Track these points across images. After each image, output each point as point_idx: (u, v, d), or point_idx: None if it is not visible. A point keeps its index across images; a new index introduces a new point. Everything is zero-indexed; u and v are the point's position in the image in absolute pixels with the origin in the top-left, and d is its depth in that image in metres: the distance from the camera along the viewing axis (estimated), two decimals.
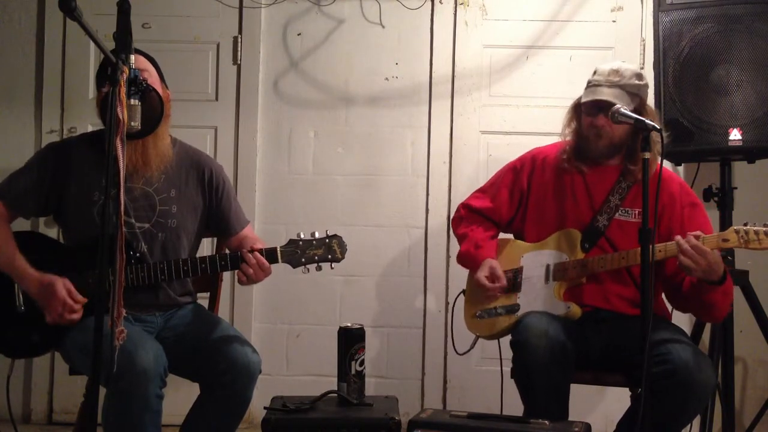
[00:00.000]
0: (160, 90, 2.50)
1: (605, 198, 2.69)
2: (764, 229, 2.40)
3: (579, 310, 2.59)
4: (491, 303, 2.73)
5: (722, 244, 2.43)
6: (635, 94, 2.64)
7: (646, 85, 2.69)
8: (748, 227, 2.41)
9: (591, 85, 2.68)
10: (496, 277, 2.69)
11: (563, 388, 2.51)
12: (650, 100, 2.98)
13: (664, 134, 2.37)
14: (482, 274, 2.70)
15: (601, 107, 2.61)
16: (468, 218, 2.89)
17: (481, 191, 2.93)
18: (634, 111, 2.49)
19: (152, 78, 2.51)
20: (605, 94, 2.61)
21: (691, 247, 2.39)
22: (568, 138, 2.78)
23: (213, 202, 2.66)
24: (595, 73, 2.69)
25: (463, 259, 2.84)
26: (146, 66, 2.52)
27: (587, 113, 2.68)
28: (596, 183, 2.72)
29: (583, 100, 2.68)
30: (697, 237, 2.42)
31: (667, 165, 2.87)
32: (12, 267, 2.40)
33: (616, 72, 2.64)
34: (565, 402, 2.51)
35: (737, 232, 2.41)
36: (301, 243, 2.48)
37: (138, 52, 2.51)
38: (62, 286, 2.35)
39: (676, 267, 2.48)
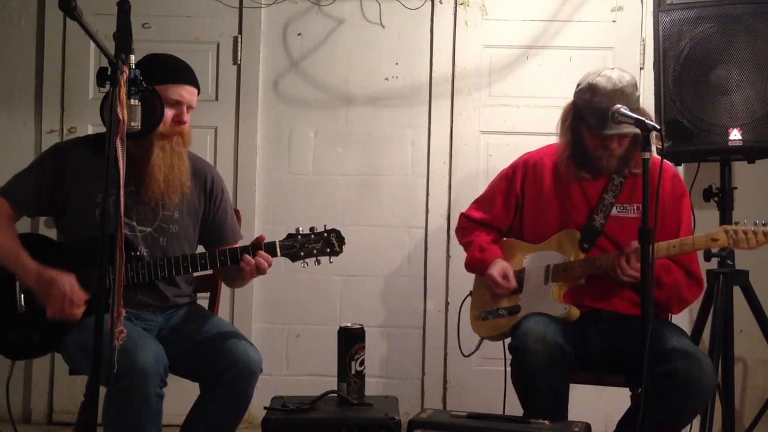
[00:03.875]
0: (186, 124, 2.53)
1: (599, 197, 2.69)
2: (753, 228, 2.39)
3: (577, 311, 2.59)
4: (495, 304, 2.74)
5: (711, 243, 2.44)
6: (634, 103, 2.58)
7: (637, 87, 2.63)
8: (738, 227, 2.40)
9: (596, 107, 2.54)
10: (508, 278, 2.70)
11: (562, 391, 2.51)
12: (650, 100, 2.99)
13: (663, 132, 2.34)
14: (495, 271, 2.71)
15: None
16: (470, 227, 2.91)
17: (478, 203, 2.94)
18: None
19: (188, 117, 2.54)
20: (624, 127, 2.48)
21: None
22: (562, 144, 2.73)
23: (211, 211, 2.66)
24: (595, 93, 2.55)
25: (470, 265, 2.87)
26: (194, 102, 2.54)
27: (597, 137, 2.59)
28: (590, 183, 2.72)
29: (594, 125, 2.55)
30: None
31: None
32: (17, 263, 2.40)
33: (621, 93, 2.52)
34: (565, 404, 2.51)
35: (726, 231, 2.41)
36: (299, 237, 2.48)
37: (193, 81, 2.51)
38: (66, 279, 2.34)
39: None
